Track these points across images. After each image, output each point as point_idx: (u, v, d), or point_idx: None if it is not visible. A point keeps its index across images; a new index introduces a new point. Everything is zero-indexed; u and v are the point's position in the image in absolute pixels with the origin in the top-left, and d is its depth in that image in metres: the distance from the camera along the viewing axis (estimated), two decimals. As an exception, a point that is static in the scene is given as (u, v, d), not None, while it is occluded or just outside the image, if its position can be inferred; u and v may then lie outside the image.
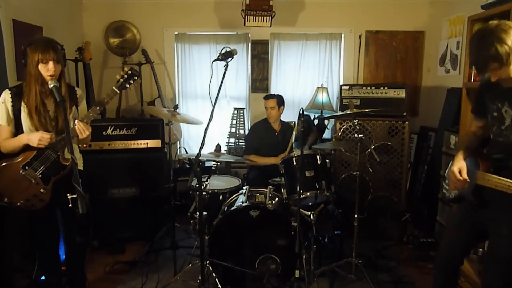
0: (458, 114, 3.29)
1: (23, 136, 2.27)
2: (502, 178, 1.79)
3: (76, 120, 2.29)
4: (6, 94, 2.30)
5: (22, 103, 2.28)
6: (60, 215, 2.49)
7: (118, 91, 2.38)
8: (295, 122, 4.39)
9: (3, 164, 2.28)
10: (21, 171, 2.26)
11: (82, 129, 2.28)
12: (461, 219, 2.18)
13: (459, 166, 2.00)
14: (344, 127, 3.97)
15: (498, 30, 1.69)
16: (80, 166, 2.56)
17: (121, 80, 2.39)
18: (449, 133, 3.56)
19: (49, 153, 2.28)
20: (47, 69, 2.20)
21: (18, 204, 2.28)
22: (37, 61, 2.19)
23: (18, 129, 2.30)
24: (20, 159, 2.27)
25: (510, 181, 1.76)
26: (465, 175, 1.97)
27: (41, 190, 2.29)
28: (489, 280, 1.96)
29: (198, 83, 4.73)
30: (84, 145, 2.53)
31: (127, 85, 2.41)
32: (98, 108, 2.32)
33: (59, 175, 2.31)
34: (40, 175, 2.28)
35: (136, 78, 2.41)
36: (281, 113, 3.92)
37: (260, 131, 3.97)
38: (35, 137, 2.21)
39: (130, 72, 2.40)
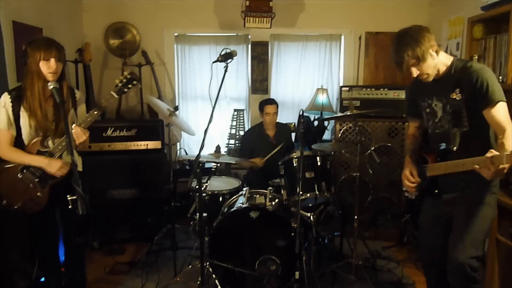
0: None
1: (39, 158, 2.24)
2: (448, 162, 1.99)
3: (73, 125, 2.24)
4: (6, 97, 2.27)
5: (22, 107, 2.26)
6: (60, 216, 2.49)
7: (116, 96, 2.32)
8: (294, 123, 4.40)
9: (3, 167, 2.27)
10: (19, 175, 2.25)
11: (79, 134, 2.22)
12: (428, 216, 2.31)
13: (409, 169, 2.24)
14: (344, 128, 3.97)
15: (415, 32, 1.93)
16: (80, 168, 2.55)
17: (120, 84, 2.31)
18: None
19: (47, 157, 2.27)
20: (49, 66, 2.18)
21: (16, 207, 2.27)
22: (39, 58, 2.17)
23: (17, 133, 2.29)
24: None
25: (456, 160, 1.94)
26: (416, 177, 2.20)
27: (38, 194, 2.27)
28: (457, 256, 2.04)
29: (198, 84, 4.73)
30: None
31: (126, 90, 2.32)
32: (96, 112, 2.27)
33: (56, 179, 2.29)
34: (38, 179, 2.27)
35: (135, 82, 2.33)
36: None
37: (254, 135, 3.94)
38: (55, 164, 2.22)
39: (129, 76, 2.32)
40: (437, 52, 1.96)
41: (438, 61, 1.99)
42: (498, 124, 1.91)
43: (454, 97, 2.00)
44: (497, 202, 2.13)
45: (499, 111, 1.91)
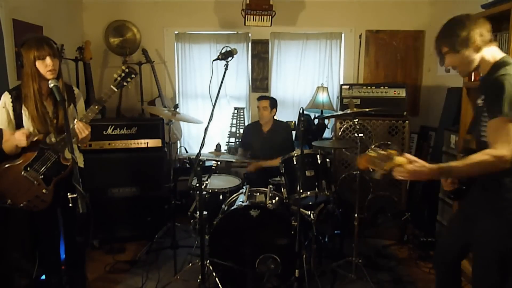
0: (458, 113, 3.29)
1: (12, 137, 2.24)
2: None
3: (75, 120, 2.28)
4: (7, 97, 2.27)
5: (23, 106, 2.26)
6: (61, 215, 2.49)
7: (116, 90, 2.39)
8: (295, 122, 4.40)
9: (5, 166, 2.27)
10: (22, 173, 2.26)
11: (81, 129, 2.27)
12: (455, 214, 2.29)
13: None
14: (344, 126, 3.97)
15: (456, 21, 1.86)
16: (81, 164, 2.55)
17: (119, 78, 2.39)
18: (449, 133, 3.55)
19: (50, 153, 2.28)
20: (46, 65, 2.18)
21: (21, 205, 2.28)
22: (33, 59, 2.16)
23: None
24: (21, 161, 2.27)
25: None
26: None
27: (43, 191, 2.28)
28: (480, 275, 1.92)
29: (198, 83, 4.73)
30: (85, 145, 2.53)
31: (125, 83, 2.41)
32: (96, 107, 2.31)
33: (60, 176, 2.31)
34: (42, 176, 2.28)
35: (133, 76, 2.42)
36: (273, 116, 3.88)
37: (250, 130, 4.02)
38: (15, 138, 2.19)
39: (127, 70, 2.40)
40: (479, 49, 1.80)
41: (476, 58, 1.82)
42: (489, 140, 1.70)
43: (479, 102, 1.86)
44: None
45: (493, 126, 1.69)
